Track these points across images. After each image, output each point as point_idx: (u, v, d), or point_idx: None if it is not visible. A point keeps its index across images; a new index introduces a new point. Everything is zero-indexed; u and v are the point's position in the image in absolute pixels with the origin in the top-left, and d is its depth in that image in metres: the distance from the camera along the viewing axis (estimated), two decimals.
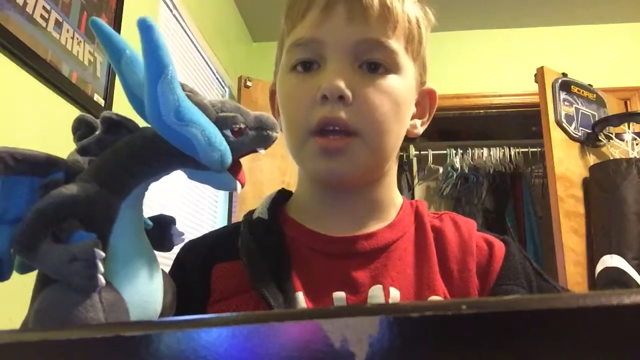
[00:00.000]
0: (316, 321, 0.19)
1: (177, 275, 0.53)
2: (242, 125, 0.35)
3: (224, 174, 0.35)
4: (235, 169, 0.35)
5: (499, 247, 0.54)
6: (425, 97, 0.59)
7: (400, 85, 0.51)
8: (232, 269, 0.52)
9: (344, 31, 0.49)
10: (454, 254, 0.53)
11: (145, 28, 0.30)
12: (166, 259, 0.36)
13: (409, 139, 0.57)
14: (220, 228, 0.62)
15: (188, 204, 2.18)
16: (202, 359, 0.19)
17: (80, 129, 0.35)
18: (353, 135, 0.49)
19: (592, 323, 0.19)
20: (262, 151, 0.37)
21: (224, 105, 0.35)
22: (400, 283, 0.50)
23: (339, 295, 0.49)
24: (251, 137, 0.36)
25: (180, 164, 0.34)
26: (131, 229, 0.34)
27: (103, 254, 0.29)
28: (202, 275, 0.53)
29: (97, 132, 0.34)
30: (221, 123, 0.34)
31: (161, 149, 0.33)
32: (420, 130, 0.58)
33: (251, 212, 0.58)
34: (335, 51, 0.50)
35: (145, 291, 0.33)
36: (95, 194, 0.31)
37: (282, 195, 0.60)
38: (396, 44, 0.51)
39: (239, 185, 0.36)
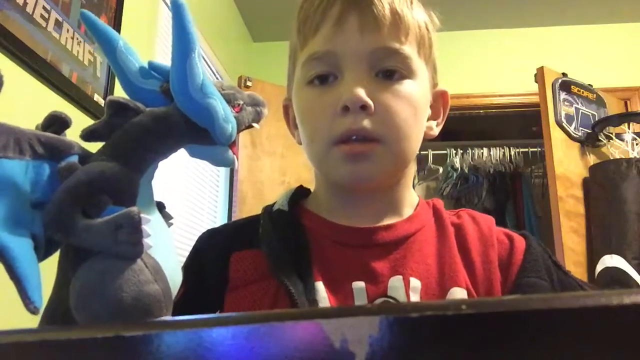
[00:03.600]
0: (316, 321, 0.19)
1: (196, 263, 0.55)
2: (241, 102, 0.39)
3: (224, 149, 0.38)
4: (232, 144, 0.38)
5: (519, 240, 0.55)
6: (439, 99, 0.59)
7: (416, 90, 0.52)
8: (251, 257, 0.53)
9: (359, 42, 0.50)
10: (476, 247, 0.53)
11: (178, 6, 0.33)
12: None
13: (424, 140, 0.58)
14: (239, 219, 0.63)
15: (188, 204, 2.18)
16: (202, 359, 0.19)
17: (54, 124, 0.35)
18: (376, 142, 0.50)
19: (592, 323, 0.19)
20: (256, 126, 0.41)
21: (223, 84, 0.39)
22: (421, 274, 0.51)
23: (359, 285, 0.50)
24: (248, 113, 0.39)
25: (191, 139, 0.36)
26: (149, 204, 0.36)
27: (149, 218, 0.30)
28: (220, 263, 0.54)
29: (103, 117, 0.35)
30: (226, 100, 0.37)
31: (173, 126, 0.35)
32: (436, 131, 0.59)
33: (270, 206, 0.59)
34: (351, 62, 0.50)
35: (172, 261, 0.35)
36: (118, 171, 0.33)
37: (300, 192, 0.61)
38: (409, 49, 0.52)
39: (235, 160, 0.39)
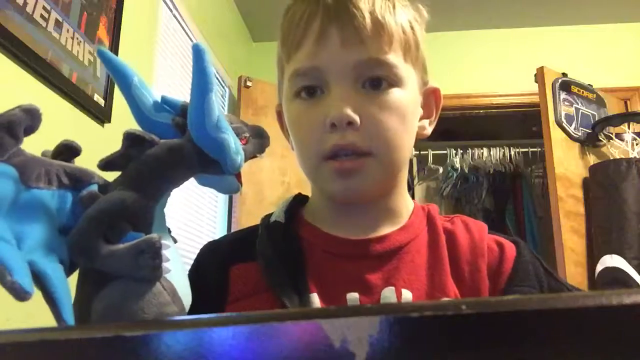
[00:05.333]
0: (316, 321, 0.19)
1: (196, 275, 0.55)
2: (247, 135, 0.41)
3: (231, 178, 0.40)
4: (237, 173, 0.41)
5: (510, 248, 0.55)
6: (430, 97, 0.59)
7: (404, 98, 0.51)
8: (250, 270, 0.54)
9: (342, 56, 0.50)
10: (465, 256, 0.53)
11: (199, 51, 0.37)
12: None
13: (418, 139, 0.57)
14: (239, 230, 0.64)
15: (188, 205, 2.18)
16: (202, 359, 0.19)
17: (64, 153, 0.37)
18: (366, 156, 0.50)
19: (592, 323, 0.19)
20: (260, 156, 0.44)
21: (231, 118, 0.41)
22: (413, 285, 0.51)
23: (353, 297, 0.50)
24: (254, 145, 0.42)
25: (202, 170, 0.39)
26: (163, 229, 0.38)
27: (169, 244, 0.33)
28: (220, 275, 0.54)
29: (120, 148, 0.37)
30: (235, 133, 0.39)
31: (187, 157, 0.37)
32: (429, 130, 0.59)
33: (268, 216, 0.59)
34: (336, 76, 0.50)
35: (183, 282, 0.37)
36: (137, 200, 0.35)
37: (299, 200, 0.61)
38: (395, 58, 0.51)
39: (240, 187, 0.42)
